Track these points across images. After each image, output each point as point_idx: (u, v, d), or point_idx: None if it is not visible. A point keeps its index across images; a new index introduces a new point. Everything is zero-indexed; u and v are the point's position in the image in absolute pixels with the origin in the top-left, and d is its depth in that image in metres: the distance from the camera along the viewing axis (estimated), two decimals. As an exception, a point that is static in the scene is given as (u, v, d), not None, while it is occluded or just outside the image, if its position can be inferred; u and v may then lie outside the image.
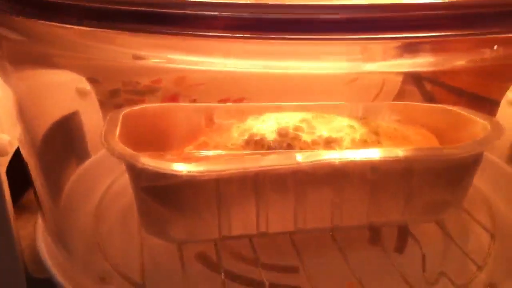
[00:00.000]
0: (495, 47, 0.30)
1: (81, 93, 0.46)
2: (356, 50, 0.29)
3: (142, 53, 0.32)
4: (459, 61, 0.31)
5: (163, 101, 0.46)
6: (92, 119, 0.50)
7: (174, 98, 0.41)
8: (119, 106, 0.48)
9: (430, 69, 0.31)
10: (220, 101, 0.50)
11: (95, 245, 0.49)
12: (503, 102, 0.46)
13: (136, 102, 0.48)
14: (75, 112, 0.49)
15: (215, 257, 0.46)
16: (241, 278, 0.46)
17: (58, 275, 0.44)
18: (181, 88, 0.48)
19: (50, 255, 0.46)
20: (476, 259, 0.46)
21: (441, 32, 0.28)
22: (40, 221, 0.49)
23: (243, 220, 0.44)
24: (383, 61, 0.30)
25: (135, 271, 0.46)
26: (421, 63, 0.30)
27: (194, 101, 0.48)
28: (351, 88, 0.39)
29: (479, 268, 0.45)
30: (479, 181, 0.52)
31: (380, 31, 0.28)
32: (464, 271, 0.46)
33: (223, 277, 0.43)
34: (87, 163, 0.55)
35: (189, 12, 0.29)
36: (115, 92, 0.48)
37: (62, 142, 0.52)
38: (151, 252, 0.48)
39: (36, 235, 0.48)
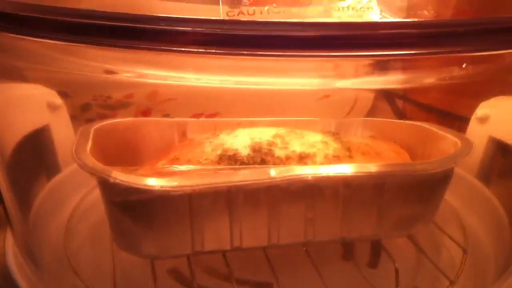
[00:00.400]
0: (464, 65, 0.30)
1: (52, 107, 0.45)
2: (327, 67, 0.30)
3: (114, 67, 0.31)
4: (429, 79, 0.31)
5: (135, 115, 0.46)
6: (63, 133, 0.50)
7: (146, 112, 0.41)
8: (91, 121, 0.48)
9: (401, 86, 0.32)
10: (194, 115, 0.50)
11: (66, 260, 0.48)
12: (473, 119, 0.47)
13: (108, 117, 0.47)
14: (46, 126, 0.49)
15: (188, 273, 0.45)
16: (214, 294, 0.45)
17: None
18: (153, 102, 0.48)
19: (20, 271, 0.45)
20: (448, 273, 0.46)
21: (411, 50, 0.28)
22: (9, 238, 0.48)
23: (216, 235, 0.44)
24: (354, 78, 0.30)
25: (106, 286, 0.45)
26: (391, 80, 0.30)
27: (167, 115, 0.48)
28: (324, 104, 0.39)
29: (452, 282, 0.45)
30: (450, 197, 0.53)
31: (351, 49, 0.28)
32: (436, 285, 0.46)
33: (196, 293, 0.43)
34: (58, 177, 0.54)
35: (161, 27, 0.29)
36: (86, 106, 0.48)
37: (33, 156, 0.51)
38: (123, 267, 0.47)
39: (6, 250, 0.47)
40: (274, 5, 0.29)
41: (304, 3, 0.29)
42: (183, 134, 0.50)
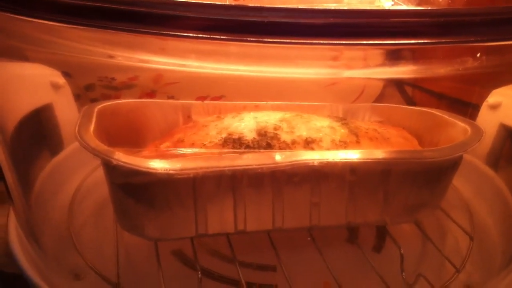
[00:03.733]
0: (478, 55, 0.29)
1: (55, 87, 0.45)
2: (336, 56, 0.29)
3: (117, 53, 0.31)
4: (441, 69, 0.30)
5: (140, 97, 0.45)
6: (66, 112, 0.49)
7: (151, 94, 0.40)
8: (95, 100, 0.47)
9: (411, 76, 0.31)
10: (198, 98, 0.49)
11: (69, 240, 0.48)
12: (484, 106, 0.46)
13: (112, 97, 0.46)
14: (49, 105, 0.48)
15: (192, 254, 0.45)
16: (218, 276, 0.45)
17: (30, 272, 0.43)
18: (158, 85, 0.47)
19: (22, 249, 0.45)
20: (454, 261, 0.46)
21: (423, 40, 0.27)
22: (12, 217, 0.48)
23: (220, 219, 0.43)
24: (364, 68, 0.29)
25: (109, 267, 0.45)
26: (402, 70, 0.29)
27: (172, 98, 0.47)
28: (331, 90, 0.38)
29: (457, 270, 0.45)
30: (458, 183, 0.52)
31: (361, 37, 0.27)
32: (442, 272, 0.46)
33: (199, 275, 0.42)
34: (60, 156, 0.54)
35: (165, 12, 0.28)
36: (90, 87, 0.47)
37: (35, 134, 0.51)
38: (127, 247, 0.47)
39: (9, 229, 0.47)
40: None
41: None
42: (188, 117, 0.49)
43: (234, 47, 0.28)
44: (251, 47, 0.28)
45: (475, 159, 0.52)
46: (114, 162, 0.40)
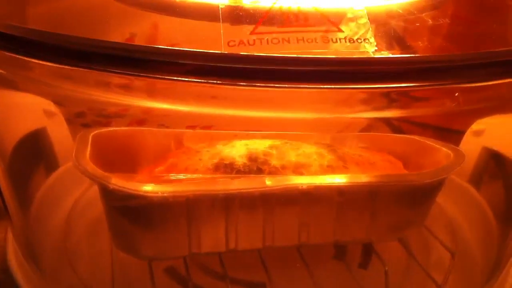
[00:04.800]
0: (456, 94, 0.31)
1: (48, 114, 0.46)
2: (323, 99, 0.30)
3: (108, 94, 0.32)
4: (424, 108, 0.32)
5: (130, 124, 0.46)
6: (60, 134, 0.50)
7: (141, 122, 0.41)
8: (86, 125, 0.49)
9: (396, 115, 0.33)
10: (188, 127, 0.51)
11: (65, 258, 0.49)
12: (468, 133, 0.48)
13: (103, 123, 0.48)
14: (43, 128, 0.49)
15: (184, 271, 0.47)
16: (209, 293, 0.47)
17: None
18: (148, 115, 0.48)
19: (20, 268, 0.47)
20: (436, 277, 0.48)
21: (406, 83, 0.29)
22: (10, 234, 0.49)
23: (212, 239, 0.45)
24: (350, 112, 0.31)
25: (105, 286, 0.47)
26: (386, 111, 0.31)
27: (162, 126, 0.49)
28: (316, 123, 0.40)
29: (439, 286, 0.47)
30: (442, 200, 0.54)
31: (348, 83, 0.29)
32: (425, 288, 0.48)
33: (192, 293, 0.44)
34: (55, 175, 0.55)
35: (154, 58, 0.29)
36: (81, 114, 0.48)
37: (31, 156, 0.52)
38: (121, 265, 0.49)
39: (7, 246, 0.49)
40: (274, 35, 0.29)
41: (301, 32, 0.30)
42: (180, 143, 0.51)
43: (225, 90, 0.30)
44: (241, 91, 0.29)
45: (458, 179, 0.54)
46: (111, 187, 0.41)
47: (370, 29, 0.30)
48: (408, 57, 0.29)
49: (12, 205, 0.48)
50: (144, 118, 0.40)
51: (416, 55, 0.30)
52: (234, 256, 0.48)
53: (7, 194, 0.47)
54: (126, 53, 0.29)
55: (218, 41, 0.30)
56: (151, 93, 0.31)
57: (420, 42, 0.32)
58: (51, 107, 0.44)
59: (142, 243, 0.45)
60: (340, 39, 0.30)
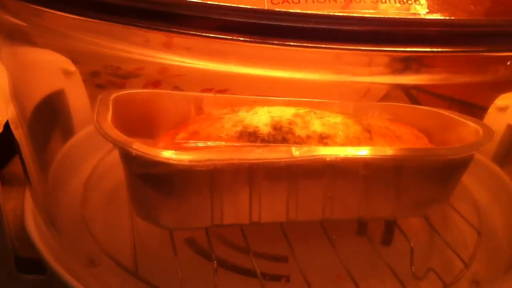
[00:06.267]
0: (508, 63, 0.30)
1: (66, 73, 0.45)
2: (348, 61, 0.29)
3: (122, 47, 0.31)
4: (456, 78, 0.30)
5: (145, 86, 0.45)
6: (78, 97, 0.49)
7: (156, 84, 0.40)
8: (101, 86, 0.48)
9: (425, 82, 0.31)
10: (203, 90, 0.49)
11: (83, 224, 0.49)
12: (491, 108, 0.47)
13: (118, 84, 0.47)
14: (61, 90, 0.48)
15: (205, 243, 0.46)
16: (232, 266, 0.46)
17: (48, 257, 0.43)
18: (163, 76, 0.47)
19: (39, 234, 0.46)
20: (462, 255, 0.47)
21: (446, 48, 0.28)
22: (28, 199, 0.49)
23: (235, 210, 0.44)
24: (381, 75, 0.29)
25: (124, 253, 0.46)
26: (415, 78, 0.30)
27: (177, 88, 0.48)
28: (335, 89, 0.39)
29: (466, 265, 0.46)
30: (465, 178, 0.53)
31: (380, 44, 0.27)
32: (450, 267, 0.47)
33: (215, 264, 0.43)
34: (73, 140, 0.55)
35: (185, 12, 0.28)
36: (96, 73, 0.47)
37: (50, 119, 0.51)
38: (141, 234, 0.48)
39: (24, 212, 0.48)
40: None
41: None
42: (199, 108, 0.50)
43: (248, 48, 0.29)
44: (260, 48, 0.28)
45: (483, 157, 0.53)
46: (134, 153, 0.40)
47: (420, -11, 0.29)
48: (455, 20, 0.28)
49: (32, 169, 0.47)
50: (158, 80, 0.39)
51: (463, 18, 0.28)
52: (255, 230, 0.47)
53: (27, 158, 0.46)
54: (148, 5, 0.28)
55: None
56: (164, 48, 0.30)
57: (472, 6, 0.31)
58: (69, 65, 0.43)
59: (163, 213, 0.44)
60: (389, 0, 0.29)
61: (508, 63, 0.29)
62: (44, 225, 0.47)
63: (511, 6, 0.32)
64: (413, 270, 0.45)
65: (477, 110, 0.47)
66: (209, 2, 0.27)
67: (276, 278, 0.45)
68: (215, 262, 0.43)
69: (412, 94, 0.47)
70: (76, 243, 0.47)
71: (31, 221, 0.47)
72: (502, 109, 0.49)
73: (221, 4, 0.28)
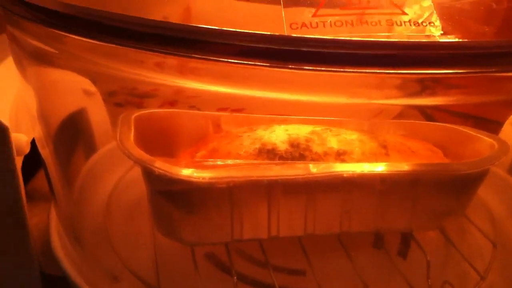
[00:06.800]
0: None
1: (87, 93, 0.46)
2: (365, 84, 0.30)
3: (138, 71, 0.32)
4: (473, 97, 0.31)
5: (161, 106, 0.47)
6: (99, 115, 0.51)
7: (172, 104, 0.41)
8: (119, 105, 0.49)
9: (441, 103, 0.32)
10: (219, 109, 0.51)
11: (106, 240, 0.50)
12: (506, 123, 0.47)
13: (134, 103, 0.48)
14: (83, 109, 0.50)
15: (225, 258, 0.47)
16: (252, 280, 0.47)
17: (73, 274, 0.45)
18: (179, 96, 0.48)
19: (63, 251, 0.47)
20: (478, 267, 0.47)
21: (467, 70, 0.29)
22: (53, 216, 0.50)
23: (254, 225, 0.45)
24: (395, 98, 0.30)
25: (145, 268, 0.47)
26: (430, 99, 0.31)
27: (193, 108, 0.49)
28: (349, 108, 0.40)
29: (482, 277, 0.46)
30: (481, 190, 0.53)
31: (394, 67, 0.28)
32: (466, 279, 0.47)
33: (235, 279, 0.44)
34: (96, 156, 0.56)
35: (202, 38, 0.29)
36: (113, 93, 0.48)
37: (73, 137, 0.53)
38: (162, 250, 0.49)
39: (50, 230, 0.49)
40: (337, 17, 0.29)
41: (364, 15, 0.29)
42: (217, 126, 0.51)
43: (262, 72, 0.30)
44: (276, 72, 0.29)
45: (498, 169, 0.53)
46: (157, 171, 0.41)
47: (434, 12, 0.30)
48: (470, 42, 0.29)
49: (58, 186, 0.49)
50: (175, 99, 0.40)
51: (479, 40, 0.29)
52: (274, 244, 0.48)
53: (53, 175, 0.48)
54: (164, 31, 0.29)
55: (279, 24, 0.29)
56: (186, 73, 0.31)
57: (486, 27, 0.32)
58: (89, 86, 0.45)
59: (184, 228, 0.45)
60: (404, 22, 0.30)
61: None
62: (68, 241, 0.48)
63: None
64: (429, 283, 0.45)
65: (492, 125, 0.48)
66: (231, 30, 0.28)
67: (295, 291, 0.46)
68: (235, 277, 0.44)
69: (427, 112, 0.48)
70: (99, 258, 0.49)
71: (56, 238, 0.48)
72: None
73: (239, 30, 0.29)
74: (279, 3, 0.32)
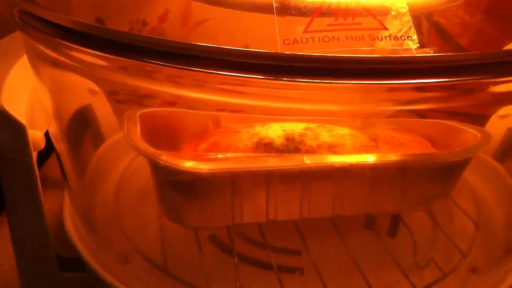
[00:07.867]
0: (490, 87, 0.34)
1: (92, 92, 0.49)
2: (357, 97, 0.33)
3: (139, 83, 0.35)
4: (456, 102, 0.34)
5: (161, 105, 0.50)
6: (103, 109, 0.54)
7: (172, 104, 0.44)
8: (120, 102, 0.52)
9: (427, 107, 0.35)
10: (217, 110, 0.54)
11: (117, 224, 0.53)
12: (493, 117, 0.50)
13: (135, 101, 0.51)
14: (89, 105, 0.53)
15: (227, 240, 0.51)
16: (251, 260, 0.51)
17: (86, 256, 0.48)
18: (178, 99, 0.51)
19: (77, 234, 0.51)
20: (461, 246, 0.51)
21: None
22: (66, 202, 0.54)
23: (254, 210, 0.49)
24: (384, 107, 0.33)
25: (153, 250, 0.51)
26: (423, 105, 0.34)
27: (192, 108, 0.52)
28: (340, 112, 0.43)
29: (464, 255, 0.50)
30: (467, 174, 0.57)
31: (377, 79, 0.31)
32: (450, 257, 0.51)
33: (236, 260, 0.48)
34: (104, 146, 0.59)
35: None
36: (114, 92, 0.51)
37: (83, 129, 0.56)
38: (168, 233, 0.53)
39: (64, 215, 0.53)
40: (325, 33, 0.32)
41: (349, 30, 0.32)
42: (217, 123, 0.54)
43: (260, 84, 0.32)
44: (275, 85, 0.32)
45: (484, 155, 0.57)
46: (162, 163, 0.45)
47: (412, 26, 0.33)
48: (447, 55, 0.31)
49: (72, 174, 0.52)
50: (174, 101, 0.43)
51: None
52: (272, 227, 0.52)
53: (67, 165, 0.51)
54: (167, 48, 0.31)
55: (273, 37, 0.32)
56: (185, 85, 0.34)
57: (459, 39, 0.35)
58: (93, 86, 0.48)
59: (189, 214, 0.49)
60: (385, 36, 0.32)
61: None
62: (81, 225, 0.52)
63: (492, 36, 0.36)
64: (416, 261, 0.49)
65: (479, 119, 0.51)
66: (230, 47, 0.31)
67: (291, 270, 0.50)
68: (236, 257, 0.48)
69: (417, 111, 0.51)
70: (110, 241, 0.52)
71: (69, 222, 0.52)
72: (503, 117, 0.53)
73: (239, 49, 0.32)
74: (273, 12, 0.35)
